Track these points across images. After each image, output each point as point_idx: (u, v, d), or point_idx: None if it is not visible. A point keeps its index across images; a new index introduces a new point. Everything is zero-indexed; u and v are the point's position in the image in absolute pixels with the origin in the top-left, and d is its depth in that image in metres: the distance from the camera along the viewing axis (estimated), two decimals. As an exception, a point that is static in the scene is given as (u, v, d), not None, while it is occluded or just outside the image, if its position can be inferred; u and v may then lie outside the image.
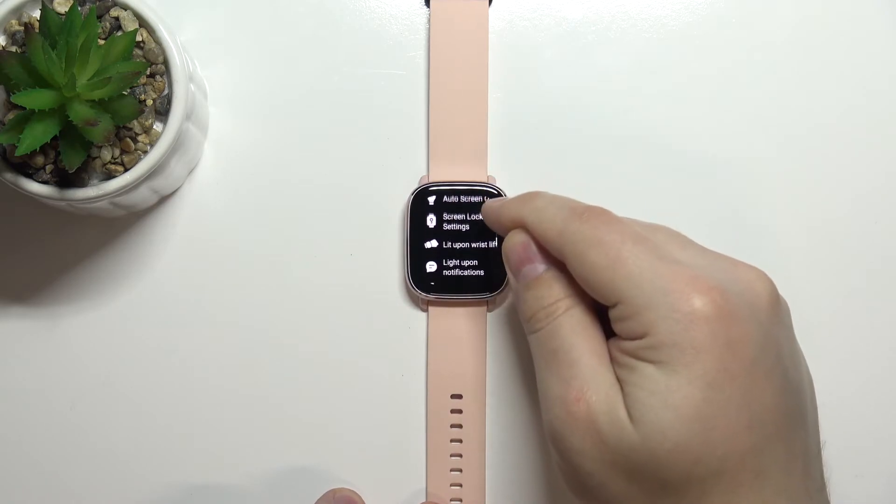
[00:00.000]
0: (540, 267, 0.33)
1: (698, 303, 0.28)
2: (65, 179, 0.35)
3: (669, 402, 0.28)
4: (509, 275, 0.35)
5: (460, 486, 0.40)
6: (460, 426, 0.40)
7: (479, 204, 0.39)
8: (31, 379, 0.40)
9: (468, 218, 0.40)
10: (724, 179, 0.41)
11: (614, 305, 0.30)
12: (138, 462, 0.40)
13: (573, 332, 0.31)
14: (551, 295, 0.32)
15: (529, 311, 0.33)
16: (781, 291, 0.32)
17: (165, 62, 0.36)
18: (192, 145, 0.39)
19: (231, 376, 0.40)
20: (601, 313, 0.32)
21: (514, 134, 0.41)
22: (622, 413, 0.29)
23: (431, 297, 0.40)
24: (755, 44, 0.41)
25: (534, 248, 0.33)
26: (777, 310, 0.31)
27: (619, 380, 0.30)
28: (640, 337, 0.29)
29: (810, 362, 0.41)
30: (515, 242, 0.34)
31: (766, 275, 0.31)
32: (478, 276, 0.40)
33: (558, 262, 0.33)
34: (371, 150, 0.41)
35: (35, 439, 0.40)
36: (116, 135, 0.35)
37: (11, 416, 0.40)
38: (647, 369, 0.29)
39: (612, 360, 0.31)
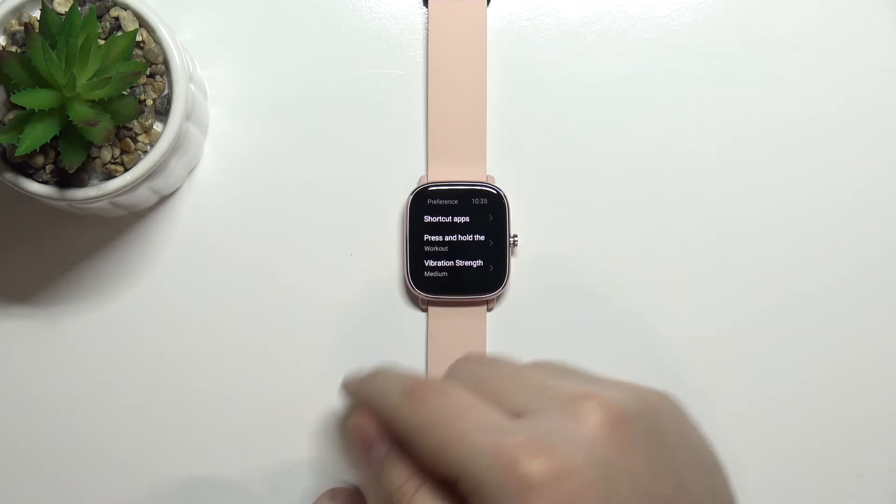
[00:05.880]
0: (382, 449, 0.32)
1: (526, 472, 0.27)
2: (65, 179, 0.35)
3: None
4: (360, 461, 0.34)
5: (460, 485, 0.40)
6: (460, 426, 0.40)
7: (479, 204, 0.39)
8: (31, 379, 0.40)
9: (467, 218, 0.40)
10: (723, 177, 0.41)
11: (456, 482, 0.29)
12: (138, 462, 0.40)
13: None
14: (399, 477, 0.31)
15: (386, 497, 0.32)
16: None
17: (165, 62, 0.36)
18: (192, 145, 0.39)
19: (230, 376, 0.40)
20: None
21: (514, 134, 0.41)
22: None
23: (431, 297, 0.40)
24: (755, 44, 0.41)
25: (371, 430, 0.32)
26: (618, 430, 0.28)
27: None
28: None
29: (811, 361, 0.41)
30: (351, 428, 0.33)
31: (599, 396, 0.29)
32: (477, 276, 0.39)
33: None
34: (370, 150, 0.41)
35: (35, 439, 0.40)
36: (116, 135, 0.35)
37: (11, 416, 0.40)
38: None
39: None
